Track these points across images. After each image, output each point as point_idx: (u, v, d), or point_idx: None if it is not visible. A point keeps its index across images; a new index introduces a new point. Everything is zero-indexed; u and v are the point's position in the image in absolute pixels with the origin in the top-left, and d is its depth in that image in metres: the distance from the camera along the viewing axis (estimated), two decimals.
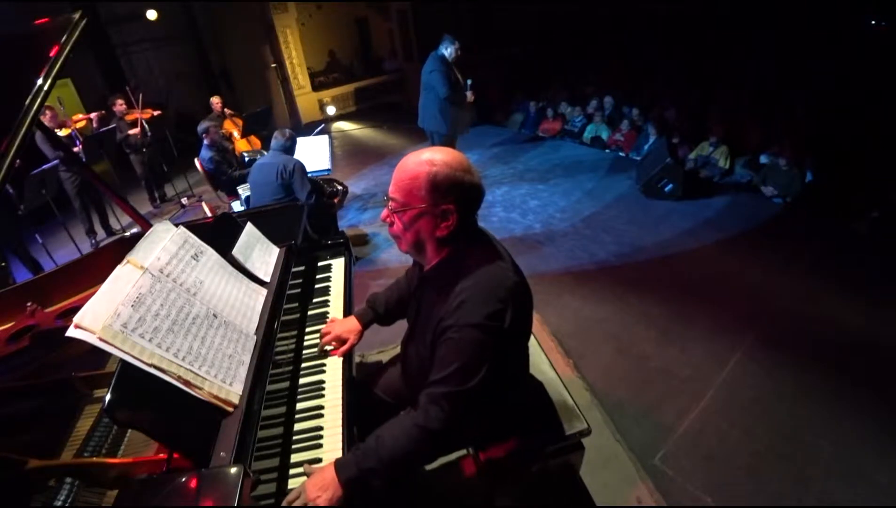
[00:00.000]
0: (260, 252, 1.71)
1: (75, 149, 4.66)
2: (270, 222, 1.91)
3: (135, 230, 2.02)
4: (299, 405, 1.38)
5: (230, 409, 1.12)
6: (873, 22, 8.37)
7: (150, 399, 1.04)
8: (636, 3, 10.10)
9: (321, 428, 1.31)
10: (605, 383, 2.65)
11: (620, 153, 6.28)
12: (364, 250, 4.33)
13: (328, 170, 4.64)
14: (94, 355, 1.24)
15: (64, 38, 1.44)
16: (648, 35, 10.10)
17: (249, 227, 1.76)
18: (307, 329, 1.66)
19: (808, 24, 8.26)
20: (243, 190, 4.37)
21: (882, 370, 2.64)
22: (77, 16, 1.50)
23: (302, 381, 1.46)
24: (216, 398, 1.11)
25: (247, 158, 5.31)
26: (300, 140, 3.99)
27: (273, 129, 4.57)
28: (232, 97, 9.14)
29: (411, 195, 1.12)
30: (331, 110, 9.55)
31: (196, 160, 4.88)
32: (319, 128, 7.74)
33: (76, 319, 0.97)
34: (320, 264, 2.01)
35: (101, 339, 0.97)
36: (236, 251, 1.58)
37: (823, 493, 2.04)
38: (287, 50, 9.07)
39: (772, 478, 2.11)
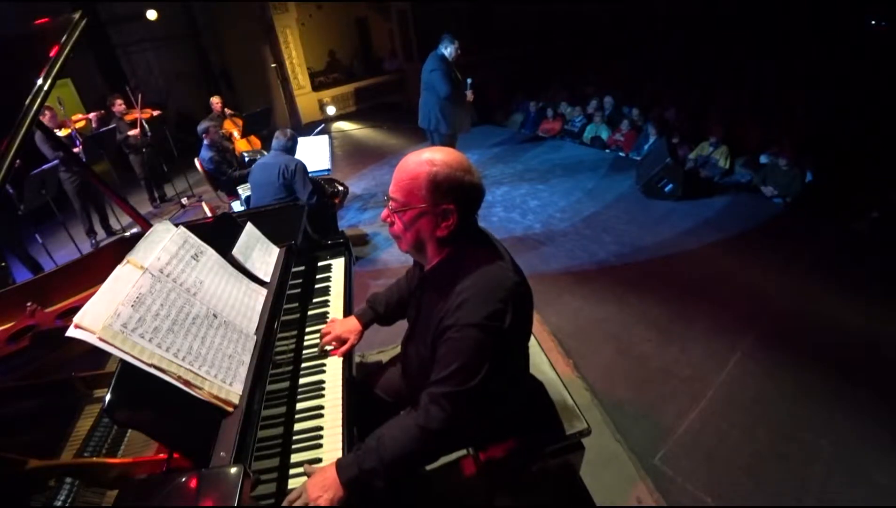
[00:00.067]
0: (260, 252, 1.71)
1: (76, 150, 4.66)
2: (270, 222, 1.91)
3: (135, 230, 2.02)
4: (299, 405, 1.38)
5: (230, 409, 1.12)
6: (873, 22, 8.38)
7: (150, 399, 1.04)
8: (636, 3, 10.10)
9: (321, 428, 1.31)
10: (605, 383, 2.65)
11: (620, 153, 6.29)
12: (364, 250, 4.33)
13: (328, 170, 4.64)
14: (94, 355, 1.24)
15: (64, 38, 1.44)
16: (648, 35, 10.11)
17: (249, 227, 1.76)
18: (307, 329, 1.66)
19: (808, 24, 8.27)
20: (243, 190, 4.37)
21: (882, 370, 2.64)
22: (77, 16, 1.50)
23: (302, 381, 1.46)
24: (216, 398, 1.11)
25: (247, 158, 5.31)
26: (300, 140, 3.99)
27: (273, 129, 4.57)
28: (232, 97, 9.14)
29: (412, 195, 1.12)
30: (331, 110, 9.56)
31: (196, 160, 4.87)
32: (319, 128, 7.75)
33: (76, 319, 0.97)
34: (320, 264, 2.01)
35: (101, 339, 0.97)
36: (236, 251, 1.58)
37: (823, 493, 2.04)
38: (287, 50, 9.07)
39: (772, 478, 2.11)
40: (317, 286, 1.89)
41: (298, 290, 1.82)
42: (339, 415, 1.33)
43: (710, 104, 6.53)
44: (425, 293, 1.29)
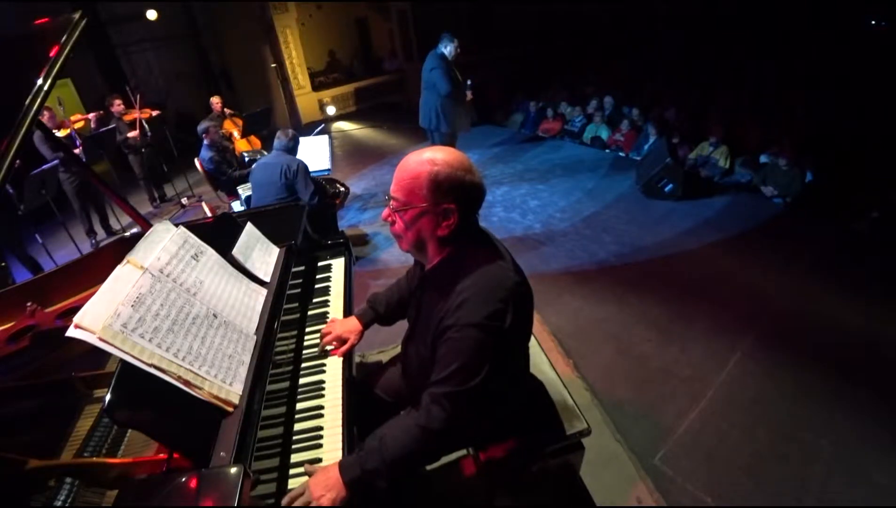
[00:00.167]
0: (260, 252, 1.71)
1: (76, 150, 4.66)
2: (270, 222, 1.91)
3: (135, 230, 2.02)
4: (299, 405, 1.38)
5: (230, 409, 1.12)
6: (873, 22, 8.38)
7: (150, 399, 1.04)
8: (636, 3, 10.11)
9: (321, 428, 1.31)
10: (605, 383, 2.65)
11: (620, 153, 6.29)
12: (364, 250, 4.33)
13: (328, 170, 4.64)
14: (94, 355, 1.24)
15: (64, 38, 1.44)
16: (648, 35, 10.11)
17: (249, 227, 1.76)
18: (307, 329, 1.66)
19: (809, 24, 8.27)
20: (243, 190, 4.37)
21: (882, 370, 2.64)
22: (77, 16, 1.50)
23: (302, 381, 1.46)
24: (216, 398, 1.11)
25: (247, 158, 5.31)
26: (301, 140, 3.99)
27: (273, 129, 4.57)
28: (232, 97, 9.14)
29: (413, 194, 1.13)
30: (331, 110, 9.56)
31: (196, 160, 4.88)
32: (319, 128, 7.76)
33: (76, 319, 0.97)
34: (320, 264, 2.01)
35: (101, 339, 0.97)
36: (236, 251, 1.58)
37: (823, 493, 2.04)
38: (287, 50, 9.07)
39: (772, 478, 2.11)
40: (317, 286, 1.89)
41: (298, 290, 1.82)
42: (339, 415, 1.33)
43: (710, 104, 6.53)
44: (426, 293, 1.29)
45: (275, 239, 1.82)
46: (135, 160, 5.81)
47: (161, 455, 1.07)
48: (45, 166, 4.22)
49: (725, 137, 5.41)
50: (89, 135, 5.15)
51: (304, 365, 1.52)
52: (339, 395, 1.39)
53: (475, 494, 1.50)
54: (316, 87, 9.76)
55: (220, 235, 1.62)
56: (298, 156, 3.67)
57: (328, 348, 1.54)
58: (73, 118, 5.16)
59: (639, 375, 2.71)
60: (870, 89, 6.10)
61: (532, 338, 1.45)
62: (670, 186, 4.81)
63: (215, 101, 6.15)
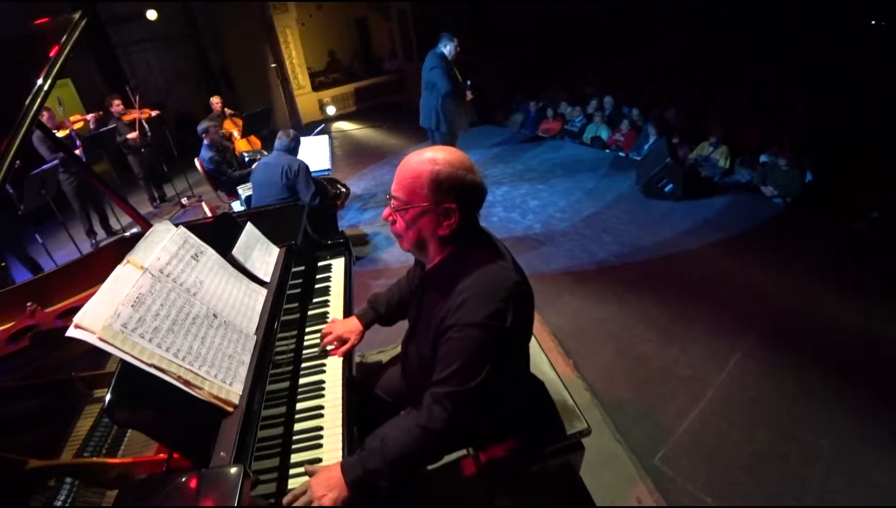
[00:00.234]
0: (260, 252, 1.71)
1: (77, 151, 4.65)
2: (270, 222, 1.91)
3: (135, 230, 2.02)
4: (299, 405, 1.38)
5: (230, 409, 1.12)
6: (873, 22, 8.38)
7: (150, 399, 1.04)
8: (636, 3, 10.11)
9: (321, 428, 1.31)
10: (605, 383, 2.65)
11: (620, 153, 6.29)
12: (364, 250, 4.33)
13: (328, 170, 4.64)
14: (94, 355, 1.24)
15: (64, 38, 1.44)
16: (648, 35, 10.11)
17: (249, 227, 1.76)
18: (307, 329, 1.66)
19: (809, 24, 8.27)
20: (243, 190, 4.37)
21: (882, 370, 2.64)
22: (77, 16, 1.50)
23: (302, 381, 1.46)
24: (216, 398, 1.11)
25: (247, 158, 5.31)
26: (301, 140, 3.99)
27: (273, 129, 4.57)
28: (232, 97, 9.14)
29: (414, 194, 1.13)
30: (331, 110, 9.56)
31: (196, 160, 4.88)
32: (319, 128, 7.76)
33: (76, 319, 0.97)
34: (320, 264, 2.01)
35: (101, 339, 0.97)
36: (236, 251, 1.58)
37: (823, 493, 2.04)
38: (287, 50, 9.07)
39: (772, 478, 2.11)
40: (317, 286, 1.89)
41: (298, 290, 1.82)
42: (339, 415, 1.33)
43: (710, 104, 6.53)
44: (426, 293, 1.29)
45: (275, 239, 1.82)
46: (134, 161, 5.81)
47: (161, 455, 1.07)
48: (45, 166, 4.22)
49: (725, 137, 5.41)
50: (89, 135, 5.15)
51: (304, 365, 1.52)
52: (339, 395, 1.39)
53: (475, 494, 1.50)
54: (316, 87, 9.76)
55: (220, 235, 1.62)
56: (299, 156, 3.67)
57: (328, 348, 1.54)
58: (72, 119, 5.15)
59: (639, 375, 2.71)
60: (870, 89, 6.10)
61: (532, 338, 1.45)
62: (670, 186, 4.81)
63: (215, 101, 6.15)
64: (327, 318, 1.71)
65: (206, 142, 4.73)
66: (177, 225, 1.47)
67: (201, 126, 4.87)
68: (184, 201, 6.10)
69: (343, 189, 4.75)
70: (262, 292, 1.55)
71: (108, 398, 0.96)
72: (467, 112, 5.04)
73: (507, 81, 8.97)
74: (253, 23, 8.86)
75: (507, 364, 1.19)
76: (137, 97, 5.70)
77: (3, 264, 4.12)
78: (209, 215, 4.52)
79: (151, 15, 7.81)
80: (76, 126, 5.12)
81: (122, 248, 1.54)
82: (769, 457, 2.20)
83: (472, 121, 6.62)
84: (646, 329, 3.05)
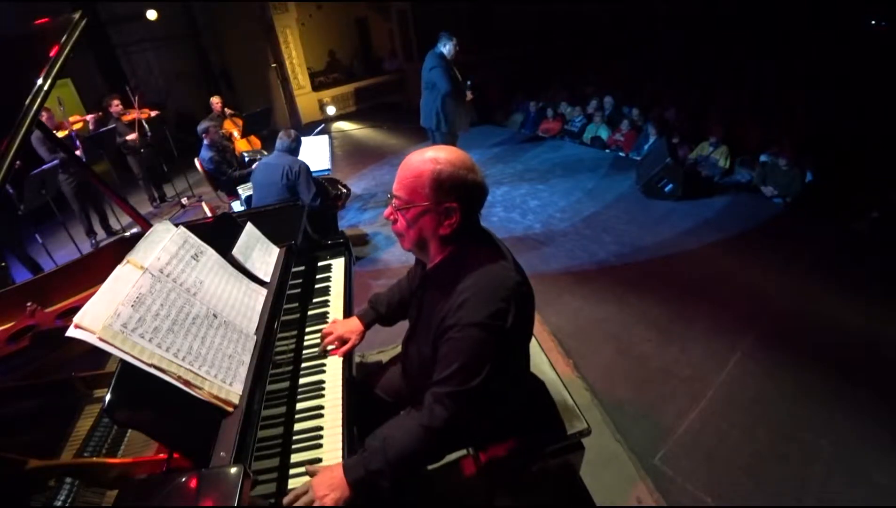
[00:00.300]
0: (260, 252, 1.71)
1: (77, 152, 4.65)
2: (270, 222, 1.91)
3: (135, 230, 2.02)
4: (299, 405, 1.38)
5: (230, 409, 1.12)
6: (873, 22, 8.38)
7: (150, 399, 1.04)
8: (636, 3, 10.11)
9: (321, 428, 1.30)
10: (605, 383, 2.65)
11: (620, 153, 6.29)
12: (364, 250, 4.33)
13: (328, 170, 4.64)
14: (94, 355, 1.24)
15: (64, 38, 1.44)
16: (648, 35, 10.11)
17: (249, 227, 1.76)
18: (307, 329, 1.66)
19: (809, 24, 8.27)
20: (243, 190, 4.37)
21: (882, 370, 2.64)
22: (77, 16, 1.50)
23: (302, 381, 1.46)
24: (216, 398, 1.11)
25: (247, 158, 5.31)
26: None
27: (273, 129, 4.57)
28: (232, 97, 9.14)
29: (415, 193, 1.13)
30: (331, 110, 9.56)
31: (196, 160, 4.88)
32: (319, 128, 7.76)
33: (76, 319, 0.97)
34: (320, 264, 2.01)
35: (101, 339, 0.97)
36: (236, 251, 1.58)
37: (823, 493, 2.04)
38: (287, 50, 9.07)
39: (772, 478, 2.11)
40: (317, 286, 1.89)
41: (298, 290, 1.82)
42: (339, 415, 1.33)
43: (710, 104, 6.53)
44: (427, 292, 1.29)
45: (275, 239, 1.82)
46: (133, 161, 5.80)
47: (161, 455, 1.07)
48: (45, 166, 4.22)
49: (725, 137, 5.41)
50: (89, 135, 5.15)
51: (304, 365, 1.52)
52: (339, 395, 1.39)
53: (475, 494, 1.50)
54: (316, 87, 9.76)
55: (220, 235, 1.62)
56: (299, 157, 3.66)
57: (329, 348, 1.54)
58: (71, 119, 5.15)
59: (639, 375, 2.71)
60: (870, 89, 6.10)
61: (532, 338, 1.45)
62: (670, 186, 4.81)
63: (215, 101, 6.15)
64: (327, 318, 1.71)
65: (206, 142, 4.73)
66: (177, 225, 1.47)
67: (201, 126, 4.87)
68: (184, 201, 6.10)
69: (344, 190, 4.75)
70: (262, 292, 1.55)
71: (108, 398, 0.96)
72: (467, 112, 5.04)
73: (507, 81, 8.97)
74: (253, 23, 8.86)
75: (508, 364, 1.19)
76: (137, 97, 5.70)
77: (3, 264, 4.12)
78: (209, 215, 4.52)
79: (151, 15, 7.81)
80: (75, 127, 5.11)
81: (122, 248, 1.54)
82: (769, 457, 2.20)
83: (472, 121, 6.61)
84: (646, 329, 3.05)
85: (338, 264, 1.99)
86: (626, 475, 2.14)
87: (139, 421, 1.03)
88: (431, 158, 1.12)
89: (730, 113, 6.10)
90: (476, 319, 1.08)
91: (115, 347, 0.99)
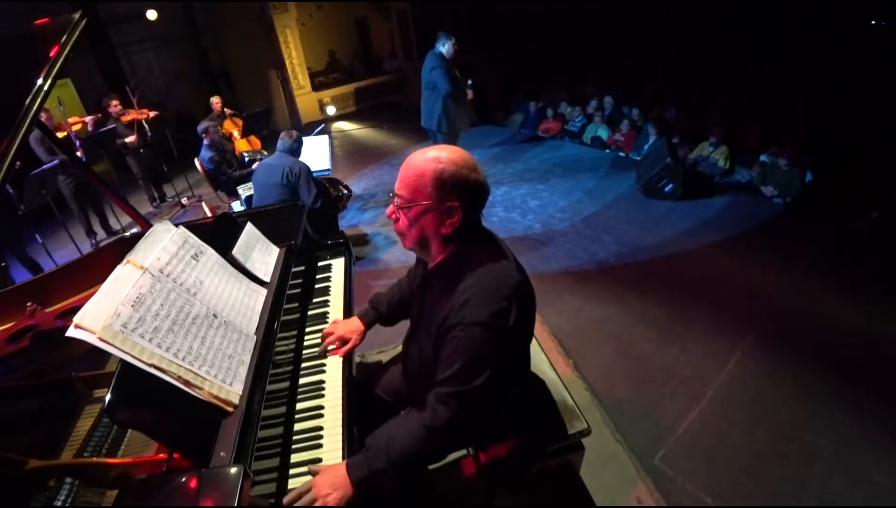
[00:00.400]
0: (260, 252, 1.71)
1: (78, 153, 4.65)
2: (270, 222, 1.91)
3: (135, 230, 2.02)
4: (299, 405, 1.38)
5: (230, 409, 1.12)
6: (873, 22, 8.39)
7: (150, 399, 1.04)
8: (636, 3, 10.11)
9: (321, 428, 1.30)
10: (605, 383, 2.65)
11: (620, 153, 6.29)
12: (364, 251, 4.33)
13: (328, 170, 4.64)
14: (94, 355, 1.24)
15: (64, 38, 1.44)
16: (648, 35, 10.12)
17: (249, 227, 1.76)
18: (307, 329, 1.66)
19: (809, 24, 8.27)
20: (243, 190, 4.37)
21: (882, 370, 2.64)
22: (77, 16, 1.50)
23: (302, 381, 1.46)
24: (216, 398, 1.11)
25: (247, 158, 5.31)
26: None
27: (273, 129, 4.56)
28: (232, 97, 9.14)
29: (417, 192, 1.13)
30: (331, 110, 9.57)
31: (196, 160, 4.88)
32: (319, 128, 7.76)
33: (76, 319, 0.97)
34: (320, 264, 2.01)
35: (101, 339, 0.97)
36: (236, 251, 1.58)
37: (823, 493, 2.04)
38: (287, 50, 9.07)
39: (772, 478, 2.11)
40: (317, 286, 1.89)
41: (298, 290, 1.82)
42: (339, 415, 1.33)
43: (710, 104, 6.53)
44: (428, 291, 1.29)
45: (275, 239, 1.82)
46: (133, 161, 5.80)
47: (161, 455, 1.07)
48: (45, 166, 4.22)
49: (725, 137, 5.41)
50: (89, 135, 5.15)
51: (304, 365, 1.52)
52: (339, 395, 1.39)
53: (475, 494, 1.50)
54: (316, 87, 9.76)
55: (220, 235, 1.62)
56: (300, 158, 3.65)
57: (330, 348, 1.54)
58: (71, 120, 5.15)
59: (639, 375, 2.71)
60: (870, 89, 6.10)
61: (532, 338, 1.45)
62: (670, 186, 4.81)
63: (215, 101, 6.15)
64: (327, 318, 1.71)
65: (206, 142, 4.72)
66: (177, 225, 1.47)
67: (201, 126, 4.87)
68: (184, 200, 6.10)
69: (345, 191, 4.74)
70: (262, 292, 1.55)
71: (108, 398, 0.96)
72: (468, 112, 5.04)
73: (507, 81, 8.97)
74: (253, 23, 8.86)
75: (509, 364, 1.20)
76: (137, 97, 5.70)
77: (3, 264, 4.12)
78: (209, 215, 4.51)
79: (151, 15, 7.81)
80: (75, 128, 5.11)
81: (122, 248, 1.54)
82: (769, 457, 2.20)
83: (472, 121, 6.62)
84: (646, 329, 3.05)
85: (338, 264, 1.99)
86: (626, 475, 2.14)
87: (139, 421, 1.03)
88: (434, 157, 1.12)
89: (730, 113, 6.11)
90: (478, 318, 1.08)
91: (115, 347, 0.99)
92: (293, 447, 1.27)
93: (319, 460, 1.22)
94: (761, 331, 2.96)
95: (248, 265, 1.59)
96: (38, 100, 1.34)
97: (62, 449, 1.20)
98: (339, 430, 1.29)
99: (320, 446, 1.26)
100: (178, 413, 1.07)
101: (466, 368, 1.10)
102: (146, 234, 1.35)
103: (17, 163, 1.34)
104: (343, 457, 1.22)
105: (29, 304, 1.65)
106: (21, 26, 1.74)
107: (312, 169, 3.64)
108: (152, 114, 5.84)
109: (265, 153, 5.47)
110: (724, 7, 9.36)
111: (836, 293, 3.27)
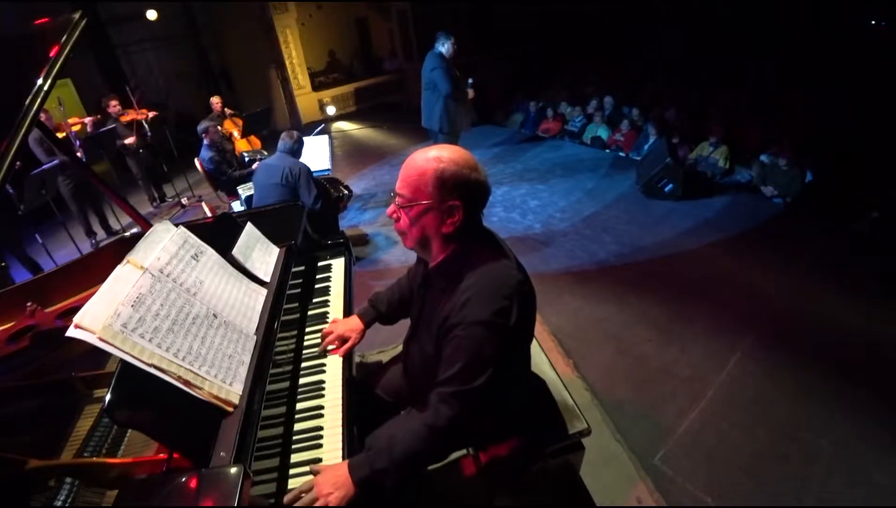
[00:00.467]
0: (260, 252, 1.71)
1: (78, 154, 4.65)
2: (270, 222, 1.91)
3: (135, 230, 2.02)
4: (299, 405, 1.38)
5: (230, 409, 1.12)
6: (873, 22, 8.39)
7: (150, 399, 1.04)
8: (636, 3, 10.11)
9: (321, 428, 1.30)
10: (605, 383, 2.65)
11: (620, 153, 6.29)
12: (364, 251, 4.33)
13: (328, 170, 4.64)
14: (94, 355, 1.24)
15: (64, 38, 1.44)
16: (648, 35, 10.12)
17: (249, 227, 1.76)
18: (307, 329, 1.66)
19: (809, 24, 8.27)
20: (243, 190, 4.37)
21: (882, 370, 2.64)
22: (77, 16, 1.50)
23: (302, 381, 1.46)
24: (216, 398, 1.11)
25: (247, 158, 5.31)
26: None
27: (273, 129, 4.56)
28: (232, 97, 9.14)
29: (418, 191, 1.13)
30: (331, 110, 9.56)
31: (196, 160, 4.88)
32: (319, 128, 7.75)
33: (76, 319, 0.97)
34: (320, 264, 2.01)
35: (101, 339, 0.97)
36: (236, 251, 1.58)
37: (823, 493, 2.04)
38: (287, 50, 9.07)
39: (772, 478, 2.11)
40: (317, 286, 1.89)
41: (298, 290, 1.82)
42: (339, 415, 1.33)
43: (710, 104, 6.53)
44: (429, 291, 1.29)
45: (275, 239, 1.82)
46: (132, 162, 5.80)
47: (161, 455, 1.07)
48: (45, 166, 4.22)
49: (725, 137, 5.41)
50: (88, 135, 5.14)
51: (304, 365, 1.52)
52: (339, 395, 1.39)
53: (475, 494, 1.50)
54: (316, 87, 9.77)
55: (220, 235, 1.62)
56: (301, 158, 3.64)
57: (329, 347, 1.54)
58: (70, 121, 5.14)
59: (639, 375, 2.71)
60: (870, 89, 6.10)
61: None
62: (670, 186, 4.81)
63: (215, 101, 6.15)
64: (327, 318, 1.71)
65: (206, 142, 4.72)
66: (177, 225, 1.47)
67: (201, 126, 4.87)
68: (184, 200, 6.10)
69: (346, 191, 4.73)
70: (262, 292, 1.55)
71: (108, 398, 0.96)
72: (468, 111, 5.03)
73: (507, 81, 8.97)
74: (253, 23, 8.86)
75: (511, 363, 1.20)
76: (136, 98, 5.69)
77: (3, 264, 4.12)
78: (209, 215, 4.51)
79: (151, 15, 7.81)
80: (74, 129, 5.11)
81: (122, 248, 1.54)
82: (769, 457, 2.20)
83: (473, 120, 6.61)
84: (646, 329, 3.05)
85: (338, 264, 1.99)
86: (626, 475, 2.14)
87: (139, 421, 1.03)
88: (435, 156, 1.13)
89: (730, 113, 6.10)
90: (480, 317, 1.08)
91: (115, 347, 0.99)
92: (293, 447, 1.27)
93: (319, 460, 1.22)
94: (761, 331, 2.96)
95: (248, 265, 1.59)
96: (38, 100, 1.34)
97: (62, 449, 1.20)
98: (339, 430, 1.29)
99: (320, 446, 1.26)
100: (178, 413, 1.07)
101: (468, 367, 1.10)
102: (146, 234, 1.35)
103: (18, 163, 1.34)
104: (343, 457, 1.22)
105: (29, 304, 1.65)
106: (21, 26, 1.74)
107: (312, 169, 3.64)
108: (151, 114, 5.84)
109: (265, 153, 5.47)
110: (724, 7, 9.36)
111: (836, 293, 3.27)
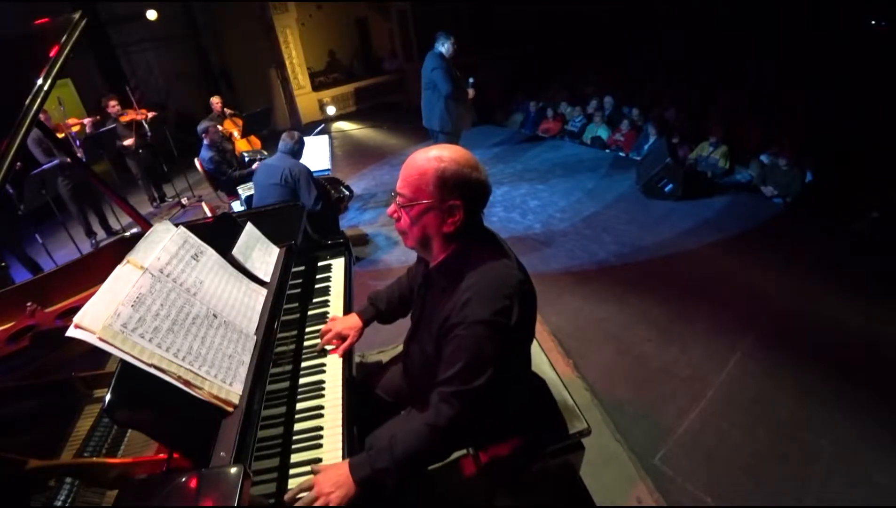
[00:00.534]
0: (260, 252, 1.71)
1: (78, 154, 4.65)
2: (270, 222, 1.91)
3: (135, 230, 2.02)
4: (299, 405, 1.38)
5: (230, 409, 1.12)
6: (873, 22, 8.39)
7: (150, 399, 1.04)
8: (636, 3, 10.11)
9: (321, 428, 1.31)
10: (605, 383, 2.65)
11: (620, 153, 6.29)
12: (364, 251, 4.33)
13: (328, 170, 4.64)
14: (94, 355, 1.24)
15: (64, 38, 1.44)
16: (648, 35, 10.12)
17: (249, 227, 1.76)
18: (307, 329, 1.66)
19: (809, 24, 8.27)
20: (243, 190, 4.37)
21: (882, 370, 2.64)
22: (77, 16, 1.50)
23: (302, 381, 1.46)
24: (216, 398, 1.11)
25: (247, 158, 5.31)
26: None
27: (273, 129, 4.56)
28: (232, 97, 9.14)
29: (419, 190, 1.13)
30: (331, 110, 9.56)
31: (196, 160, 4.88)
32: (319, 128, 7.75)
33: (76, 319, 0.97)
34: (320, 264, 2.01)
35: (101, 339, 0.97)
36: (236, 251, 1.58)
37: (823, 493, 2.04)
38: (287, 50, 9.07)
39: (772, 478, 2.11)
40: (317, 286, 1.89)
41: (298, 290, 1.82)
42: (339, 415, 1.33)
43: (710, 104, 6.53)
44: (430, 290, 1.29)
45: (275, 239, 1.82)
46: (132, 162, 5.80)
47: (161, 455, 1.07)
48: (45, 166, 4.22)
49: (725, 137, 5.41)
50: (88, 135, 5.14)
51: (304, 365, 1.52)
52: (339, 395, 1.39)
53: (475, 494, 1.50)
54: (316, 87, 9.77)
55: (220, 235, 1.62)
56: (301, 159, 3.64)
57: (328, 346, 1.54)
58: (70, 121, 5.14)
59: (639, 375, 2.71)
60: (870, 89, 6.10)
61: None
62: (670, 186, 4.81)
63: (215, 101, 6.15)
64: (327, 318, 1.71)
65: (206, 142, 4.72)
66: (177, 225, 1.47)
67: (201, 126, 4.87)
68: (184, 200, 6.10)
69: (346, 192, 4.73)
70: (262, 292, 1.55)
71: (108, 398, 0.96)
72: (469, 111, 5.03)
73: (507, 81, 8.97)
74: (253, 23, 8.86)
75: (511, 362, 1.20)
76: (136, 98, 5.69)
77: (3, 264, 4.12)
78: (209, 215, 4.51)
79: (151, 15, 7.81)
80: (73, 129, 5.11)
81: (122, 248, 1.54)
82: (769, 457, 2.20)
83: (473, 120, 6.61)
84: (646, 329, 3.05)
85: (338, 264, 1.99)
86: (626, 475, 2.14)
87: (139, 421, 1.03)
88: (436, 156, 1.13)
89: (730, 113, 6.10)
90: (481, 317, 1.08)
91: (115, 347, 0.99)
92: (293, 447, 1.27)
93: (319, 460, 1.22)
94: (761, 331, 2.96)
95: (248, 265, 1.59)
96: (38, 100, 1.34)
97: (62, 449, 1.20)
98: (339, 430, 1.29)
99: (320, 446, 1.26)
100: (178, 413, 1.07)
101: (469, 367, 1.10)
102: (146, 234, 1.35)
103: (18, 163, 1.34)
104: (343, 457, 1.22)
105: (29, 304, 1.65)
106: (21, 26, 1.74)
107: (312, 169, 3.64)
108: (151, 114, 5.83)
109: (265, 153, 5.48)
110: (724, 7, 9.36)
111: (836, 293, 3.27)
